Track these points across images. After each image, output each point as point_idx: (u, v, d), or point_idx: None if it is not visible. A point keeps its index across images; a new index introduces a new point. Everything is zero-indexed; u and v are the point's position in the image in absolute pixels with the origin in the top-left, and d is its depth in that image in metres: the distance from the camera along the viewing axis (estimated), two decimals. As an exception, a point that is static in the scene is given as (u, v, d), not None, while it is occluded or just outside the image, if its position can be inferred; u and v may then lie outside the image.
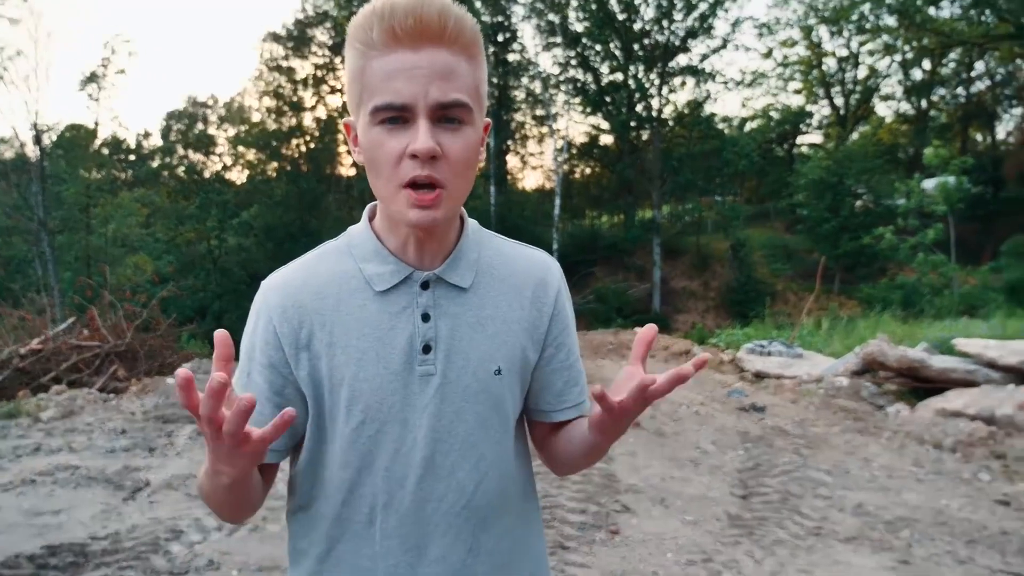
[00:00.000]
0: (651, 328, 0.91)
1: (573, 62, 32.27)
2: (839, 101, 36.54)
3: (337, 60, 30.42)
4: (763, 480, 4.54)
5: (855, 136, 33.54)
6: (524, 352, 1.02)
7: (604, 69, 32.73)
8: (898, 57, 33.73)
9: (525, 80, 34.34)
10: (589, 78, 32.75)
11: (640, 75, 31.66)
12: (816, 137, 38.86)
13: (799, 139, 39.63)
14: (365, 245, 0.98)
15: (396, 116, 0.86)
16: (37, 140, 22.95)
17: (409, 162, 0.86)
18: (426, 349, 0.95)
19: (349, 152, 0.99)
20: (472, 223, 1.04)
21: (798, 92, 38.03)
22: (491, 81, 31.42)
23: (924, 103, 34.79)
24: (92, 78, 26.86)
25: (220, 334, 0.75)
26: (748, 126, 36.98)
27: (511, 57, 33.05)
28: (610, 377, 7.74)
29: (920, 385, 6.65)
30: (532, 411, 1.10)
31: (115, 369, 8.18)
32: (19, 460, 4.77)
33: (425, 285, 0.96)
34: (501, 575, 1.02)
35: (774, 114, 38.07)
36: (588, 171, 40.82)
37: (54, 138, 25.24)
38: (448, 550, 0.98)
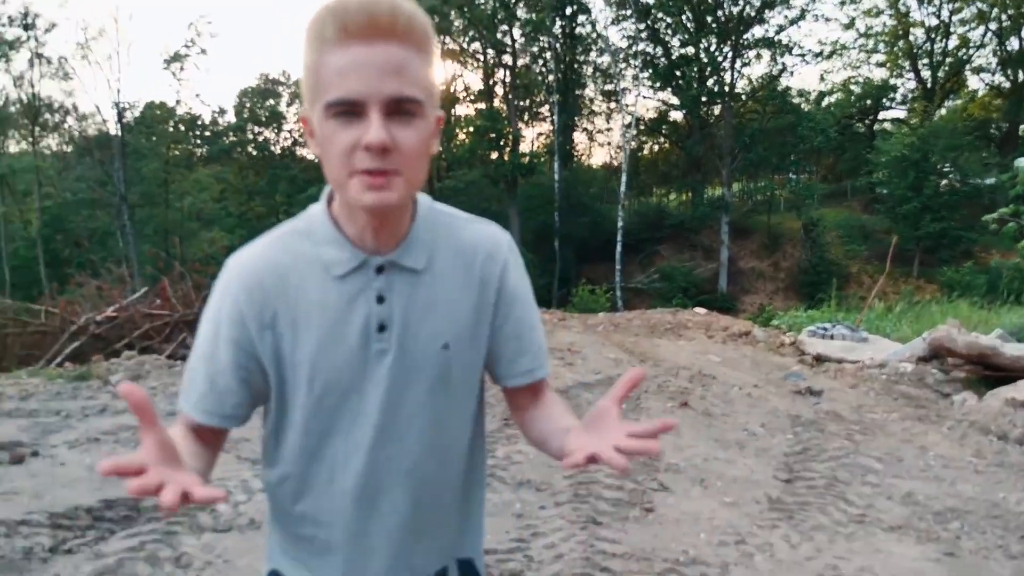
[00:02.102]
0: (639, 372, 0.91)
1: (643, 35, 31.59)
2: (926, 74, 34.68)
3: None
4: (810, 465, 4.41)
5: (943, 111, 31.76)
6: (474, 326, 1.08)
7: (675, 42, 31.98)
8: (993, 26, 31.69)
9: (593, 54, 33.84)
10: (659, 52, 32.04)
11: (712, 48, 30.79)
12: (900, 112, 37.02)
13: (881, 114, 37.88)
14: (323, 230, 1.02)
15: (349, 110, 0.88)
16: (119, 117, 24.03)
17: (362, 153, 0.89)
18: (381, 328, 1.01)
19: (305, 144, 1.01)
20: (424, 201, 1.07)
21: (882, 64, 36.31)
22: (559, 55, 31.09)
23: (1021, 75, 32.61)
24: (176, 58, 27.89)
25: (126, 389, 0.74)
26: (826, 100, 35.58)
27: (579, 31, 32.58)
28: (665, 357, 7.64)
29: (991, 374, 6.32)
30: (492, 376, 1.16)
31: (184, 337, 8.53)
32: (86, 419, 5.05)
33: (380, 269, 1.01)
34: (440, 526, 1.13)
35: (855, 88, 36.48)
36: (656, 148, 40.09)
37: (135, 115, 26.37)
38: (396, 505, 1.07)
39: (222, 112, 37.56)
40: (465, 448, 1.14)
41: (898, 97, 36.57)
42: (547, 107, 32.82)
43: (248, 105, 36.27)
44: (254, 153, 33.49)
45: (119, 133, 24.14)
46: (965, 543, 3.34)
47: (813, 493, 3.94)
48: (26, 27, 25.68)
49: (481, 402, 1.17)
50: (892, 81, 35.99)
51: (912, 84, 35.72)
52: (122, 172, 23.35)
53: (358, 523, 1.07)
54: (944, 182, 27.06)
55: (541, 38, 31.22)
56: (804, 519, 3.59)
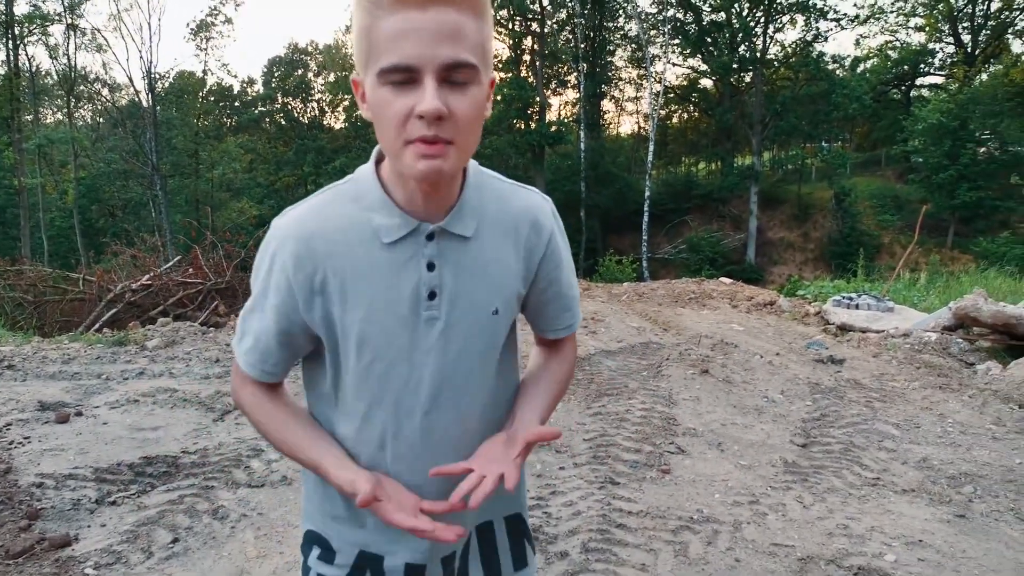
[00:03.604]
0: (553, 432, 1.04)
1: (673, 1, 31.00)
2: (966, 38, 33.61)
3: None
4: (827, 431, 4.46)
5: (983, 77, 30.81)
6: (518, 290, 1.10)
7: (706, 8, 31.35)
8: (1038, -13, 30.54)
9: (621, 21, 33.33)
10: (689, 17, 31.46)
11: (745, 13, 30.16)
12: (938, 78, 35.97)
13: (918, 80, 36.85)
14: (372, 194, 1.00)
15: (403, 77, 0.86)
16: (151, 88, 24.29)
17: (416, 121, 0.87)
18: (431, 296, 1.01)
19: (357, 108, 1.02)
20: (472, 167, 1.06)
21: (920, 29, 35.23)
22: (586, 22, 30.68)
23: (1066, 39, 31.46)
24: (201, 27, 28.06)
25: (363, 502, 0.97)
26: (861, 67, 34.71)
27: (607, -3, 32.06)
28: (688, 325, 7.68)
29: (1017, 343, 6.27)
30: (532, 326, 1.22)
31: (216, 305, 8.76)
32: (125, 382, 5.27)
33: (431, 236, 1.00)
34: None
35: (891, 53, 35.51)
36: (685, 116, 39.57)
37: (166, 86, 26.64)
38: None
39: (251, 82, 37.83)
40: (508, 409, 1.16)
41: (936, 63, 35.58)
42: (575, 75, 32.49)
43: (276, 75, 36.44)
44: (282, 123, 33.72)
45: (151, 104, 24.49)
46: (977, 506, 3.39)
47: (829, 457, 4.01)
48: (69, 8, 26.03)
49: (517, 360, 1.20)
50: (930, 46, 34.99)
51: (951, 49, 34.67)
52: (154, 143, 23.72)
53: (411, 486, 1.07)
54: (982, 150, 26.40)
55: (568, 3, 30.81)
56: (818, 482, 3.66)
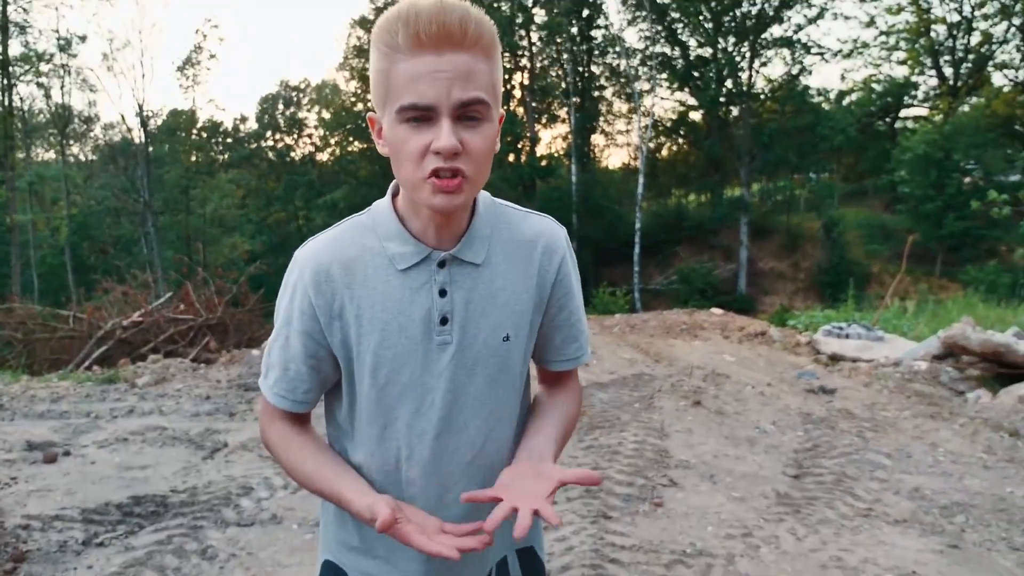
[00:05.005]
0: (593, 477, 1.00)
1: (660, 36, 31.59)
2: (948, 71, 34.22)
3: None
4: (819, 461, 4.46)
5: (966, 108, 31.34)
6: (530, 316, 1.13)
7: (692, 43, 31.96)
8: (1017, 21, 31.20)
9: (610, 57, 33.89)
10: (676, 53, 32.03)
11: (730, 48, 30.75)
12: (922, 110, 36.58)
13: (902, 112, 37.45)
14: (388, 225, 1.06)
15: (420, 115, 0.93)
16: (143, 125, 24.45)
17: (433, 156, 0.94)
18: (443, 321, 1.05)
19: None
20: (484, 197, 1.11)
21: (903, 62, 35.88)
22: (575, 57, 31.18)
23: (1045, 70, 32.07)
24: (187, 63, 28.40)
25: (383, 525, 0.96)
26: (846, 99, 35.31)
27: (596, 33, 32.65)
28: (679, 357, 7.69)
29: (1006, 371, 6.31)
30: (537, 358, 1.23)
31: (207, 341, 8.74)
32: (114, 420, 5.23)
33: (442, 264, 1.05)
34: None
35: (876, 86, 36.16)
36: (675, 149, 40.01)
37: (158, 123, 26.83)
38: (460, 496, 1.07)
39: (243, 119, 38.18)
40: (518, 435, 1.18)
41: (920, 95, 36.17)
42: (565, 109, 32.93)
43: (268, 111, 36.77)
44: (273, 159, 33.98)
45: (143, 141, 24.64)
46: (969, 535, 3.39)
47: (821, 488, 4.00)
48: (61, 48, 26.29)
49: (528, 387, 1.23)
50: (913, 78, 35.60)
51: (934, 81, 35.29)
52: (146, 179, 23.81)
53: (424, 510, 1.08)
54: (967, 180, 26.73)
55: (558, 40, 31.35)
56: (811, 513, 3.65)
